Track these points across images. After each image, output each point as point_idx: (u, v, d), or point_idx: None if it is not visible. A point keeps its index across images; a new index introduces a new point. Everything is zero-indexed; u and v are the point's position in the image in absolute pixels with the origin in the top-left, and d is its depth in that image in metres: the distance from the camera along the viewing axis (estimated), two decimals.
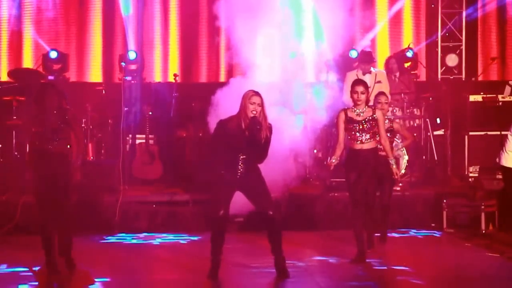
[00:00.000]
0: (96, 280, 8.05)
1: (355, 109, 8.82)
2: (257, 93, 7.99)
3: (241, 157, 8.00)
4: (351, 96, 8.87)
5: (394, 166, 8.97)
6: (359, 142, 8.77)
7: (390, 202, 9.79)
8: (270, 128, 8.01)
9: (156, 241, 10.52)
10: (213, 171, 8.18)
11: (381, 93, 9.93)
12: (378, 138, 8.91)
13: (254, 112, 7.91)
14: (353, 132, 8.79)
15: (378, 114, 8.83)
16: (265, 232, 8.21)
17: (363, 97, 8.77)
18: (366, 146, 8.79)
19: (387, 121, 9.67)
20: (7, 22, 14.29)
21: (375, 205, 9.18)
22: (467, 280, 8.22)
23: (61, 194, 8.17)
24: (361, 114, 8.77)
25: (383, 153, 8.99)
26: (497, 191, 11.00)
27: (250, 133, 7.94)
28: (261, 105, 7.96)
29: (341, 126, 8.81)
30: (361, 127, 8.77)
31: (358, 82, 8.99)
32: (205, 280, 8.03)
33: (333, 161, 8.80)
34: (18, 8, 14.22)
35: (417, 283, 8.16)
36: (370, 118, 8.79)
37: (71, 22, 14.53)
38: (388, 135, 9.48)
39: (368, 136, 8.78)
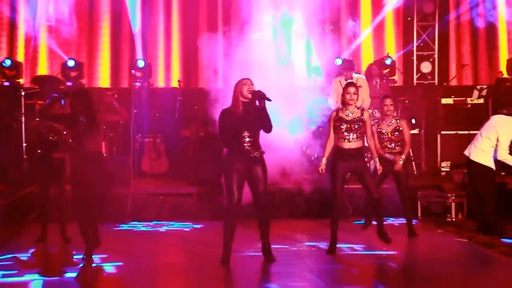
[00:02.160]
0: (109, 264, 8.25)
1: (345, 109, 8.76)
2: (247, 78, 8.23)
3: (245, 134, 8.10)
4: (343, 97, 8.79)
5: (378, 164, 8.92)
6: (346, 141, 8.69)
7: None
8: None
9: (164, 229, 10.80)
10: (226, 159, 8.26)
11: (386, 96, 9.94)
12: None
13: (250, 90, 8.12)
14: (341, 131, 8.70)
15: (366, 115, 8.74)
16: (255, 221, 8.46)
17: (354, 97, 8.71)
18: (353, 145, 8.71)
19: (393, 120, 9.80)
20: (26, 34, 14.75)
21: (379, 194, 8.95)
22: (439, 262, 8.50)
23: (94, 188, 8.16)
24: (350, 114, 8.71)
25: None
26: (465, 183, 11.29)
27: (260, 105, 8.08)
28: (253, 85, 8.21)
29: (331, 124, 8.78)
30: (349, 126, 8.70)
31: (350, 84, 8.94)
32: (208, 263, 8.31)
33: (324, 163, 8.79)
34: (35, 21, 14.62)
35: (396, 264, 8.49)
36: (358, 118, 8.72)
37: (82, 34, 14.91)
38: (396, 134, 9.75)
39: (355, 135, 8.70)
